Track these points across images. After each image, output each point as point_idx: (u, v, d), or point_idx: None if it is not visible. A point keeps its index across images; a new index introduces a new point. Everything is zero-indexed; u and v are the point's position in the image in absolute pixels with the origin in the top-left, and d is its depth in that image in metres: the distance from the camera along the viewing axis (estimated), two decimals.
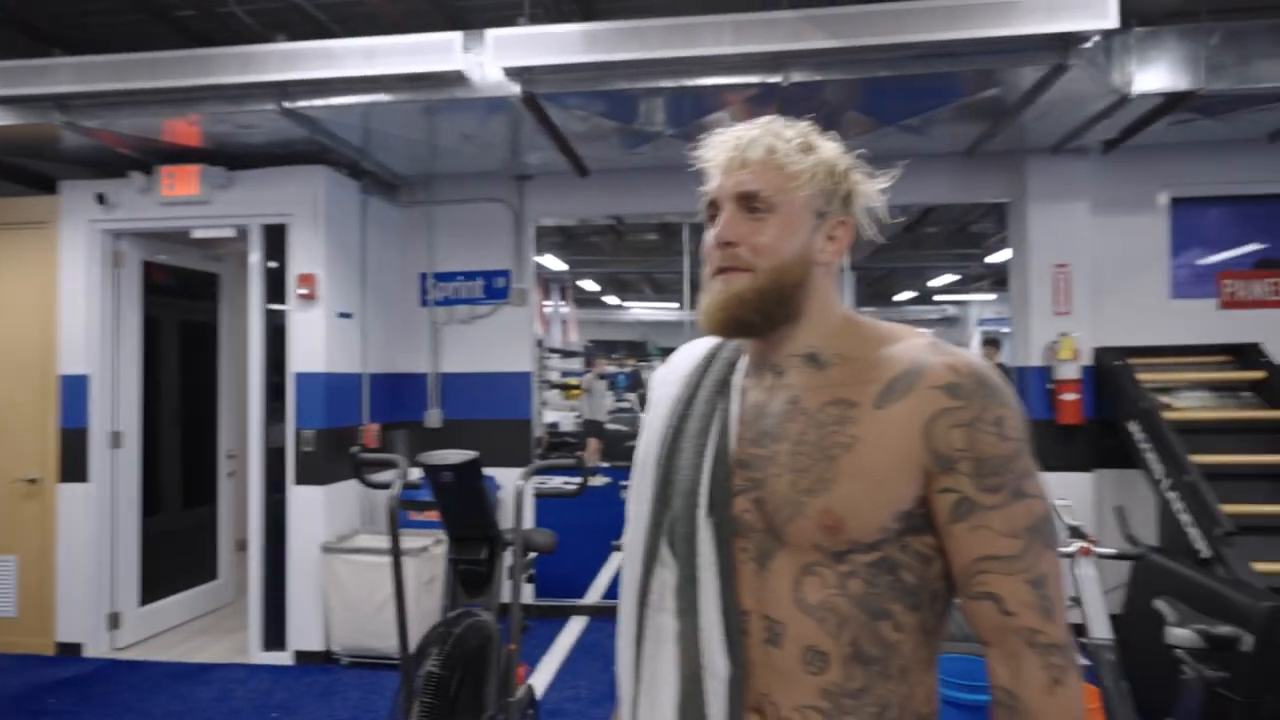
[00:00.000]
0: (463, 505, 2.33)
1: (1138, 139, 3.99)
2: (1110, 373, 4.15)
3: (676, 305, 13.53)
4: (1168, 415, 3.84)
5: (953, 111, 3.69)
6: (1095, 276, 4.31)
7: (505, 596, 2.68)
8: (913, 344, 0.93)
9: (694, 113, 3.67)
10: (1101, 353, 4.25)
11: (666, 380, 1.10)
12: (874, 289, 13.87)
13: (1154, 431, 3.76)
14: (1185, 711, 2.11)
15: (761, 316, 0.94)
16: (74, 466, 4.23)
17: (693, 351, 1.11)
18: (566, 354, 14.81)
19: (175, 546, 4.79)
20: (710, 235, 0.96)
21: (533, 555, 2.86)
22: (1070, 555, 2.45)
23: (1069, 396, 4.18)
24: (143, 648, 4.35)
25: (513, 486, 2.71)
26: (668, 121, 3.78)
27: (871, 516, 0.88)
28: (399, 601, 2.34)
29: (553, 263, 9.89)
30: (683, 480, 0.97)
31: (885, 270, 11.93)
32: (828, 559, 0.89)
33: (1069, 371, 4.18)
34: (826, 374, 0.94)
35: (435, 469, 2.22)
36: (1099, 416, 4.24)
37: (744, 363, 1.02)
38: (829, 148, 0.98)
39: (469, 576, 2.40)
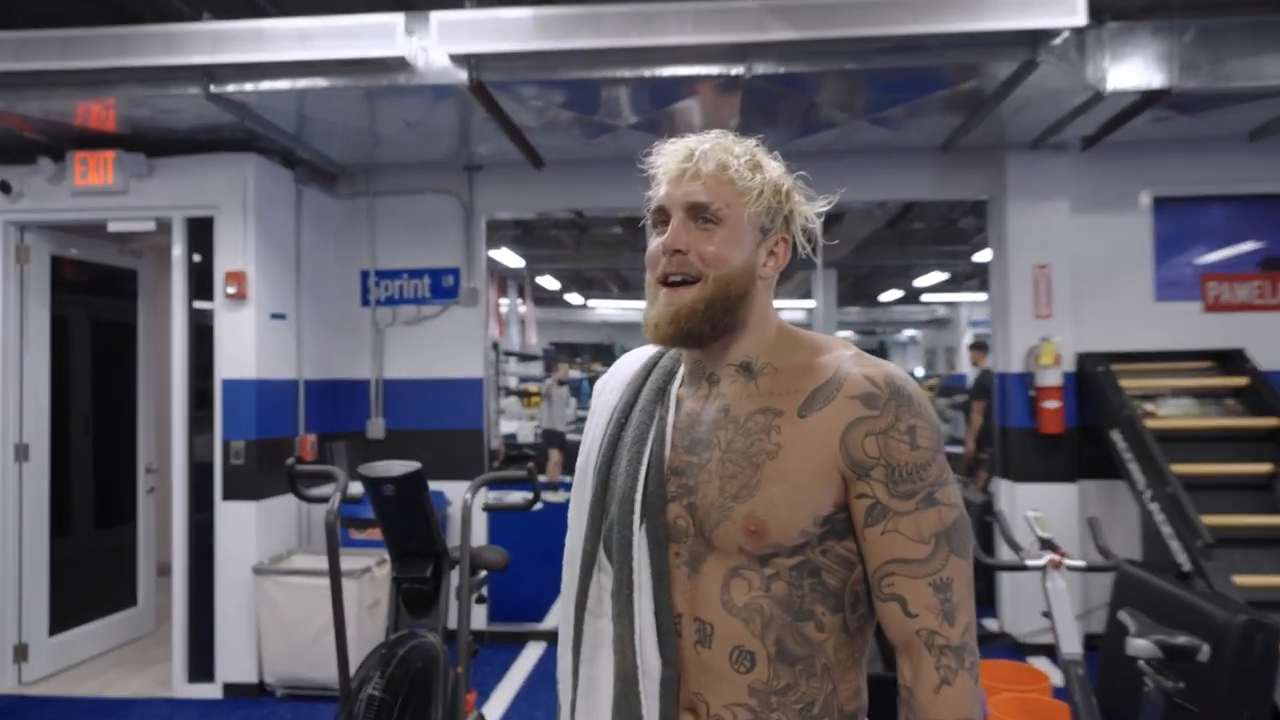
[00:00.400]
0: (406, 520, 2.41)
1: (1118, 135, 4.20)
2: (1093, 379, 4.35)
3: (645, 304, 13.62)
4: (1150, 424, 4.05)
5: (926, 105, 3.86)
6: (1077, 278, 4.52)
7: (455, 618, 2.78)
8: (837, 355, 1.07)
9: (657, 103, 3.79)
10: (1084, 358, 4.45)
11: (607, 388, 1.23)
12: (858, 288, 14.13)
13: (1136, 440, 3.97)
14: None
15: (710, 327, 1.06)
16: None
17: (633, 360, 1.24)
18: (525, 358, 14.83)
19: (89, 570, 4.77)
20: (656, 242, 1.08)
21: (483, 574, 2.95)
22: (1041, 568, 2.60)
23: (1051, 404, 4.38)
24: (53, 682, 4.34)
25: (460, 500, 2.81)
26: (629, 112, 3.89)
27: (792, 521, 0.99)
28: (339, 625, 2.42)
29: (509, 258, 9.94)
30: (619, 488, 1.09)
31: (869, 268, 12.19)
32: (753, 562, 1.01)
33: (1051, 378, 4.38)
34: (757, 383, 1.07)
35: (376, 481, 2.30)
36: (1082, 425, 4.45)
37: (682, 372, 1.14)
38: (774, 167, 1.12)
39: (413, 596, 2.48)
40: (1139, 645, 2.08)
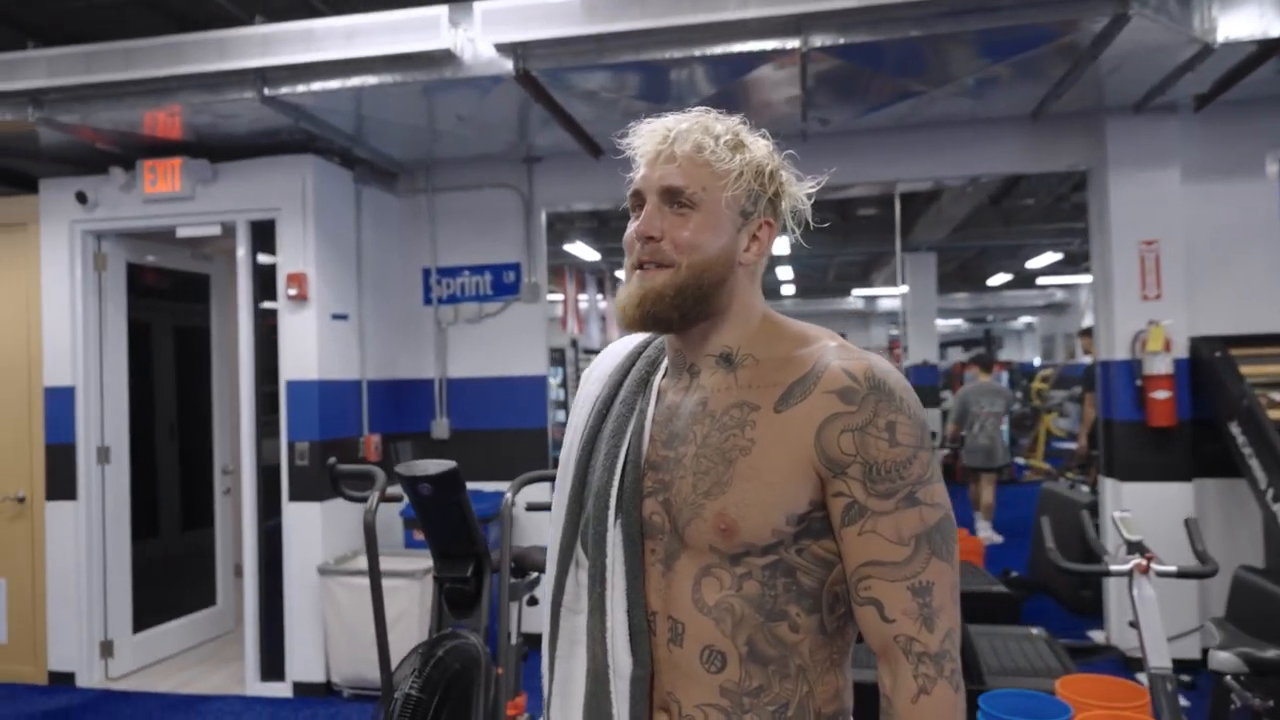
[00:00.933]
0: (444, 520, 2.49)
1: (1235, 92, 3.95)
2: (1208, 366, 4.10)
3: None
4: (1275, 414, 3.79)
5: (1006, 71, 3.71)
6: (1190, 254, 4.26)
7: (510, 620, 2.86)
8: (820, 346, 1.05)
9: (715, 83, 3.77)
10: (1198, 343, 4.20)
11: (591, 378, 1.24)
12: (964, 272, 13.67)
13: (1257, 433, 3.72)
14: None
15: (679, 313, 1.05)
16: (61, 484, 4.57)
17: (618, 349, 1.25)
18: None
19: (174, 571, 5.12)
20: (631, 227, 1.08)
21: (535, 576, 3.02)
22: (1126, 574, 2.48)
23: (1160, 394, 4.15)
24: (137, 678, 4.68)
25: (505, 500, 2.88)
26: (687, 94, 3.89)
27: (763, 520, 0.99)
28: (379, 624, 2.52)
29: (584, 252, 10.04)
30: (596, 481, 1.11)
31: (974, 250, 11.77)
32: (724, 561, 1.01)
33: (1160, 365, 4.14)
34: (736, 375, 1.07)
35: (412, 481, 2.38)
36: (1196, 417, 4.20)
37: (666, 363, 1.15)
38: (758, 146, 1.09)
39: (454, 596, 2.56)
40: (1223, 659, 1.95)
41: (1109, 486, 4.40)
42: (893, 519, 0.97)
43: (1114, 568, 2.50)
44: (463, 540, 2.53)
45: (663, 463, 1.06)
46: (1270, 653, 1.95)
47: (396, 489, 2.66)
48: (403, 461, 4.77)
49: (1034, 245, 10.64)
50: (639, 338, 1.23)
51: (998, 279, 14.03)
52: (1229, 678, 2.00)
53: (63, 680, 4.57)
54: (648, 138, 1.09)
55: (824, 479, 0.99)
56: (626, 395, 1.15)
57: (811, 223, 1.14)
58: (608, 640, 1.05)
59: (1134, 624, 2.45)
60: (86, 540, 4.57)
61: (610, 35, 3.38)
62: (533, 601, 2.90)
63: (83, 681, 4.55)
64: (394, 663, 2.49)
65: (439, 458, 4.02)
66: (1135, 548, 2.53)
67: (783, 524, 0.99)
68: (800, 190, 1.13)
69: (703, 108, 1.12)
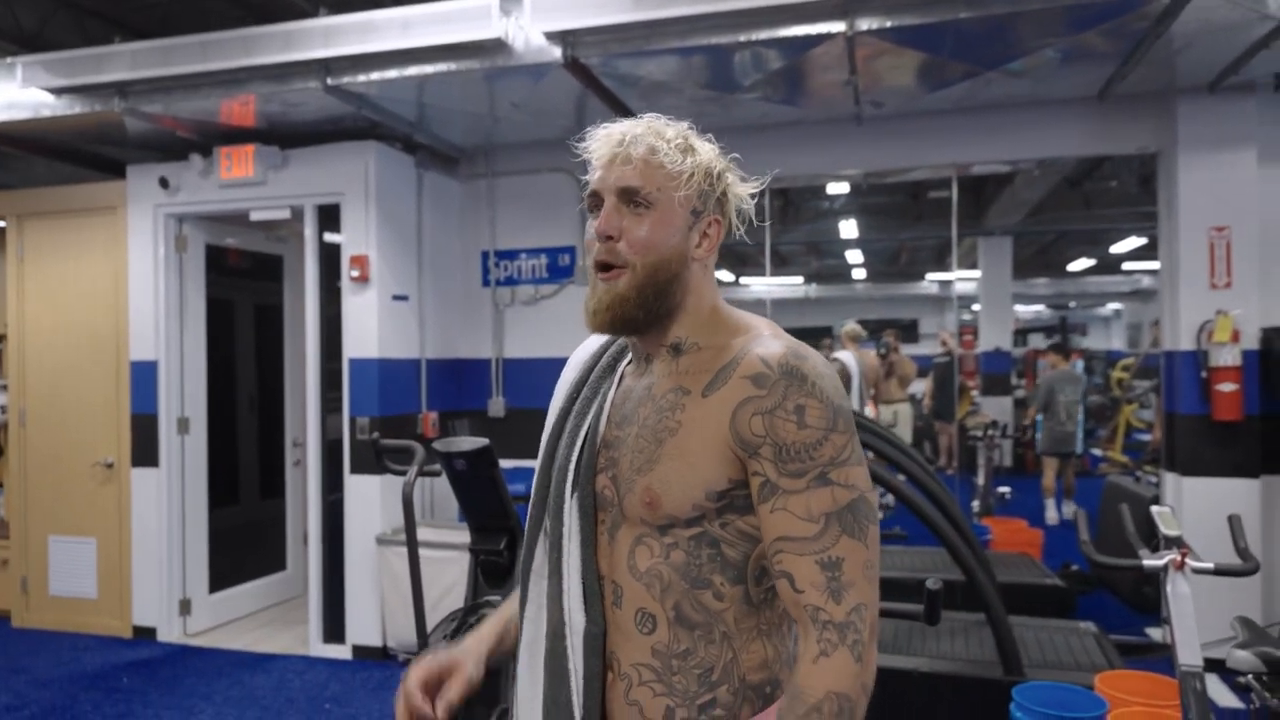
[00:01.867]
0: (479, 495, 2.63)
1: None
2: None
3: (800, 279, 13.46)
4: None
5: (1068, 50, 3.63)
6: (1265, 241, 4.10)
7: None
8: (751, 335, 1.14)
9: (765, 67, 3.79)
10: (1271, 334, 4.05)
11: (569, 368, 1.36)
12: (1045, 257, 13.24)
13: None
14: None
15: (644, 312, 1.14)
16: (145, 452, 4.91)
17: (592, 342, 1.36)
18: None
19: (249, 537, 5.47)
20: (591, 227, 1.17)
21: None
22: (1160, 569, 2.45)
23: (1227, 387, 4.01)
24: (212, 635, 5.01)
25: None
26: (736, 79, 3.92)
27: (684, 495, 1.08)
28: (416, 592, 2.67)
29: None
30: (559, 457, 1.23)
31: (1053, 235, 11.40)
32: (654, 531, 1.12)
33: (1227, 357, 4.01)
34: (679, 362, 1.16)
35: (448, 456, 2.52)
36: (1266, 412, 4.05)
37: (636, 350, 1.25)
38: (706, 149, 1.18)
39: (489, 567, 2.70)
40: (1241, 658, 1.93)
41: (1170, 481, 4.29)
42: (803, 497, 1.04)
43: (1148, 563, 2.47)
44: (497, 514, 2.66)
45: (614, 441, 1.17)
46: None
47: (435, 465, 2.81)
48: (439, 439, 4.98)
49: (1117, 230, 10.26)
50: None
51: (1078, 264, 13.55)
52: (1249, 677, 1.98)
53: (145, 634, 4.93)
54: (603, 142, 1.17)
55: (742, 459, 1.07)
56: (593, 381, 1.27)
57: (754, 220, 1.22)
58: (564, 600, 1.16)
59: (1166, 620, 2.42)
60: (167, 505, 4.90)
61: (658, 22, 3.43)
62: None
63: (163, 636, 4.90)
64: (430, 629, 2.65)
65: (494, 435, 4.20)
66: (1173, 543, 2.50)
67: (702, 499, 1.08)
68: (744, 190, 1.21)
69: (653, 114, 1.19)
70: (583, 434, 1.20)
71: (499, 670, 2.54)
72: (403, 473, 2.96)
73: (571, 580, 1.15)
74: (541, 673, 1.18)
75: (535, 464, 1.31)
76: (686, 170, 1.13)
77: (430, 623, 2.72)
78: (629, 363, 1.25)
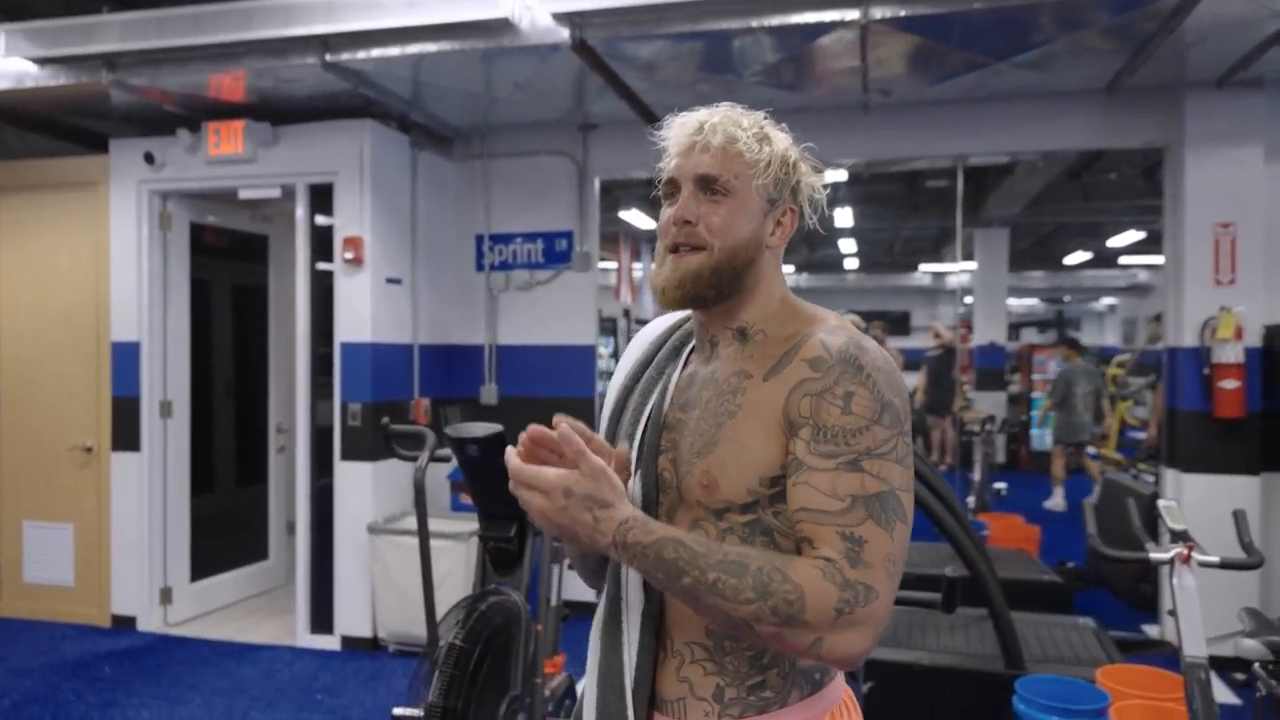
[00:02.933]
0: (490, 482, 2.68)
1: None
2: None
3: (791, 269, 13.57)
4: None
5: (1078, 43, 3.73)
6: (1270, 239, 4.24)
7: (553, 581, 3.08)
8: (818, 325, 1.19)
9: (775, 54, 3.86)
10: (1274, 331, 4.18)
11: (632, 348, 1.42)
12: (1040, 250, 13.42)
13: None
14: None
15: (715, 292, 1.20)
16: (126, 435, 4.92)
17: (658, 323, 1.42)
18: None
19: (228, 525, 5.48)
20: (666, 213, 1.23)
21: None
22: (1166, 562, 2.56)
23: (1229, 384, 4.15)
24: (194, 624, 5.04)
25: None
26: (746, 63, 3.98)
27: (740, 479, 1.13)
28: (426, 578, 2.74)
29: (639, 219, 10.15)
30: (622, 438, 1.28)
31: (1050, 227, 11.56)
32: (710, 515, 1.16)
33: (1230, 354, 4.14)
34: (745, 348, 1.22)
35: (460, 442, 2.58)
36: (1268, 409, 4.19)
37: (702, 334, 1.30)
38: (781, 139, 1.23)
39: (498, 555, 2.76)
40: (1248, 646, 2.04)
41: (1170, 477, 4.43)
42: (829, 476, 1.06)
43: (1154, 556, 2.58)
44: (507, 502, 2.72)
45: (676, 424, 1.23)
46: None
47: (445, 450, 2.86)
48: (450, 425, 5.03)
49: (1115, 223, 10.43)
50: (678, 314, 1.39)
51: (1075, 257, 13.74)
52: (1256, 665, 2.09)
53: (125, 624, 4.95)
54: (681, 130, 1.22)
55: (787, 440, 1.11)
56: (659, 362, 1.33)
57: (825, 209, 1.27)
58: (622, 577, 1.23)
59: (1172, 613, 2.53)
60: (149, 490, 4.92)
61: (668, 5, 3.49)
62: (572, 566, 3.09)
63: (143, 625, 4.93)
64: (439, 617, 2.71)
65: (487, 422, 4.26)
66: (1179, 537, 2.61)
67: (757, 485, 1.13)
68: (817, 180, 1.26)
69: (729, 103, 1.24)
70: (646, 414, 1.26)
71: (511, 658, 2.62)
72: (411, 458, 3.02)
73: None
74: (599, 642, 1.26)
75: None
76: (764, 159, 1.18)
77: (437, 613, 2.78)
78: (693, 348, 1.30)
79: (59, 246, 5.10)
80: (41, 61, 4.17)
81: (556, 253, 5.16)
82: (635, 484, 1.23)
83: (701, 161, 1.19)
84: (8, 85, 4.28)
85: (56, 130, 5.06)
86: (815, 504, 1.07)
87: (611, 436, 1.31)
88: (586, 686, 1.29)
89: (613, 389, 1.37)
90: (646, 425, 1.25)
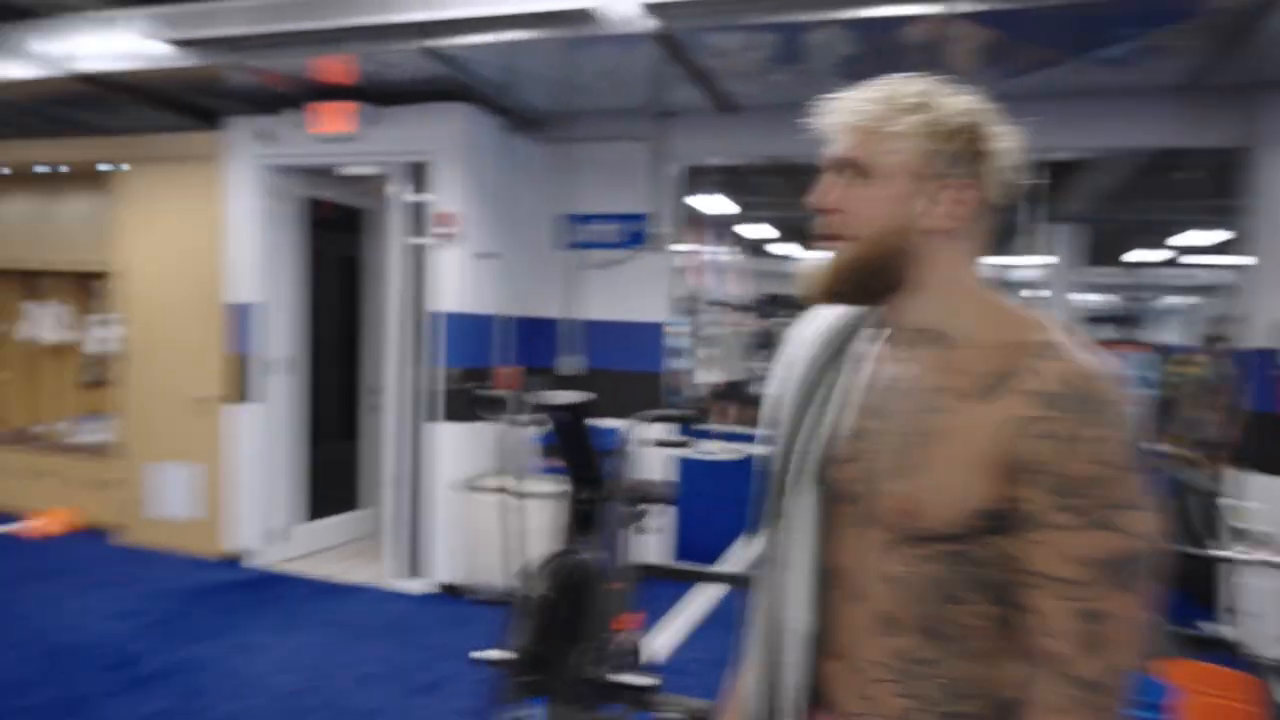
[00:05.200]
0: (575, 446, 2.76)
1: None
2: None
3: None
4: None
5: (1158, 41, 3.57)
6: None
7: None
8: (1041, 338, 0.98)
9: (856, 45, 3.78)
10: None
11: (803, 340, 1.20)
12: (1108, 247, 12.92)
13: None
14: None
15: (860, 288, 1.05)
16: (244, 388, 5.17)
17: (831, 313, 1.19)
18: (741, 308, 14.92)
19: (333, 475, 5.74)
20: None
21: (646, 507, 3.26)
22: (1242, 562, 2.49)
23: None
24: (300, 563, 5.29)
25: (624, 435, 3.12)
26: (824, 55, 3.92)
27: (946, 510, 0.96)
28: (513, 531, 2.82)
29: (719, 205, 10.05)
30: (802, 443, 1.12)
31: (1121, 225, 11.13)
32: (908, 539, 1.00)
33: None
34: (946, 356, 1.02)
35: (549, 409, 2.65)
36: None
37: (874, 332, 1.13)
38: (946, 105, 1.01)
39: (581, 516, 2.84)
40: None
41: (1235, 478, 4.26)
42: (1073, 536, 0.91)
43: (1229, 555, 2.50)
44: (588, 466, 2.79)
45: (864, 433, 1.06)
46: None
47: (527, 414, 2.94)
48: (531, 392, 5.14)
49: (1183, 221, 9.99)
50: (843, 307, 1.19)
51: (1140, 255, 13.21)
52: None
53: (240, 558, 5.22)
54: (830, 112, 1.07)
55: (1014, 479, 0.94)
56: (839, 359, 1.14)
57: (1019, 181, 1.05)
58: (787, 594, 1.11)
59: (1233, 610, 2.47)
60: (268, 438, 5.19)
61: None
62: (640, 530, 3.15)
63: (255, 562, 5.18)
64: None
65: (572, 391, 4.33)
66: (1245, 536, 2.53)
67: (968, 517, 0.96)
68: (1008, 145, 1.03)
69: (901, 74, 1.06)
70: (828, 420, 1.10)
71: (587, 612, 2.68)
72: (495, 419, 3.10)
73: (797, 573, 1.10)
74: (761, 653, 1.15)
75: (761, 443, 1.21)
76: (907, 130, 0.99)
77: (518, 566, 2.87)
78: (869, 343, 1.12)
79: (179, 215, 5.32)
80: (178, 44, 4.31)
81: (633, 234, 5.18)
82: (810, 496, 1.10)
83: (840, 143, 1.04)
84: (144, 65, 4.45)
85: (174, 106, 5.25)
86: (1055, 571, 0.92)
87: (790, 441, 1.14)
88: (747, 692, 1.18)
89: (779, 387, 1.18)
90: (826, 433, 1.10)
